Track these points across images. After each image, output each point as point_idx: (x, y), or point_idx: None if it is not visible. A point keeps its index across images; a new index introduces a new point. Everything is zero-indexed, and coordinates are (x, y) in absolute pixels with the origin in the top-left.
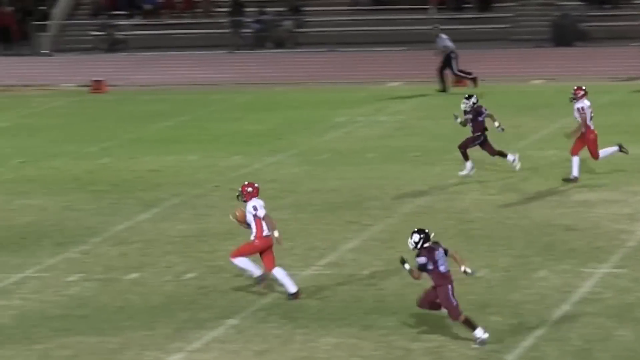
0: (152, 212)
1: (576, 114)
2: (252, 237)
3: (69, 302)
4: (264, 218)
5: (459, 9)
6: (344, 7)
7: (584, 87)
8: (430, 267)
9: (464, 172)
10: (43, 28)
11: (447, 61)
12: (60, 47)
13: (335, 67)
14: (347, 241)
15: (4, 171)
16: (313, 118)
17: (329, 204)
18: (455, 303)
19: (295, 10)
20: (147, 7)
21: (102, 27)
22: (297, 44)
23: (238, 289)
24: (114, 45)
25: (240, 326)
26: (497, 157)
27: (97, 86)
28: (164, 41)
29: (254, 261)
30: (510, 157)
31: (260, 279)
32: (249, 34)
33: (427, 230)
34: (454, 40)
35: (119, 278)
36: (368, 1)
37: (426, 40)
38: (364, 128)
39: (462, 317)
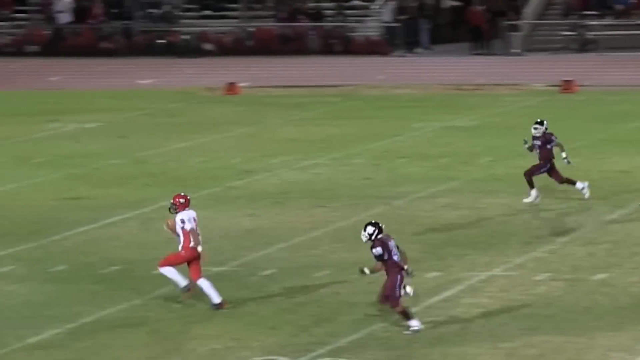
0: (620, 213)
1: None
2: (179, 248)
3: (536, 301)
4: (190, 231)
5: None
6: None
7: None
8: (386, 256)
9: (529, 200)
10: (514, 28)
11: None
12: (531, 46)
13: None
14: None
15: (473, 170)
16: None
17: None
18: (398, 293)
19: None
20: (619, 7)
21: (572, 27)
22: None
23: None
24: (584, 46)
25: None
26: (565, 184)
27: (567, 86)
28: (636, 41)
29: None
30: (579, 185)
31: (185, 289)
32: None
33: (380, 224)
34: None
35: (585, 278)
36: None
37: None
38: None
39: (399, 308)
